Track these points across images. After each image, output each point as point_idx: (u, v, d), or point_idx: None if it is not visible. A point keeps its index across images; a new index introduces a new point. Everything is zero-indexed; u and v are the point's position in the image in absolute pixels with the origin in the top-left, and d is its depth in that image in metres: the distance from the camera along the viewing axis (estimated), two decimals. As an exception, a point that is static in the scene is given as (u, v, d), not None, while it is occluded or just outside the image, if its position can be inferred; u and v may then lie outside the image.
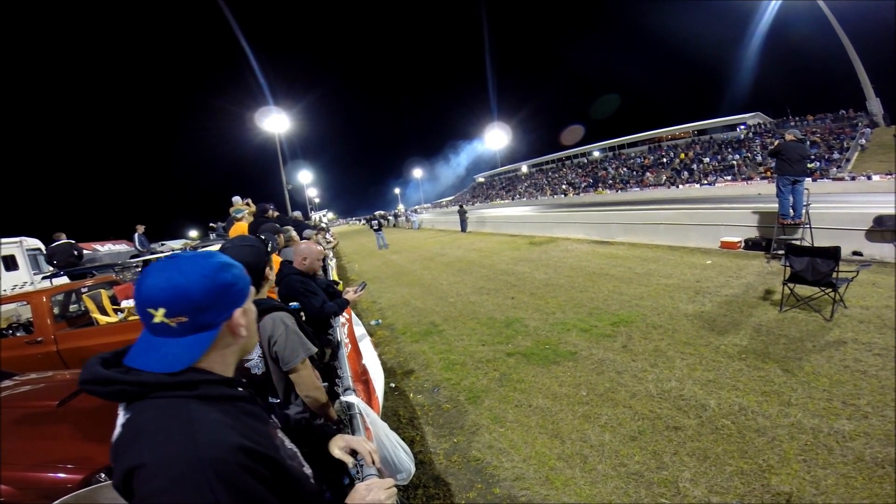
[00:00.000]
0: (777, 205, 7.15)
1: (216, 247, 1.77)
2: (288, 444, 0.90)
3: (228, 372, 0.84)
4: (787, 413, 2.77)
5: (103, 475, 1.85)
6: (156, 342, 0.75)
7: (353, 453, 1.15)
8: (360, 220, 73.29)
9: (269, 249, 1.77)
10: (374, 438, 1.52)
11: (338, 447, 1.14)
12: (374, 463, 1.12)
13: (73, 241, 8.35)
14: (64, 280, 7.12)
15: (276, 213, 6.29)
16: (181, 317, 0.74)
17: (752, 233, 7.98)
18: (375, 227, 18.90)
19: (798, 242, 6.30)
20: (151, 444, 0.66)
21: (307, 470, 0.92)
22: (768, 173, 26.85)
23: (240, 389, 0.84)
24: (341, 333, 2.85)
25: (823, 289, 4.33)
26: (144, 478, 0.64)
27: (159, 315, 0.73)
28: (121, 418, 0.72)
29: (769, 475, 2.26)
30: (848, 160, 27.35)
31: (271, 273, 1.78)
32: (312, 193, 50.03)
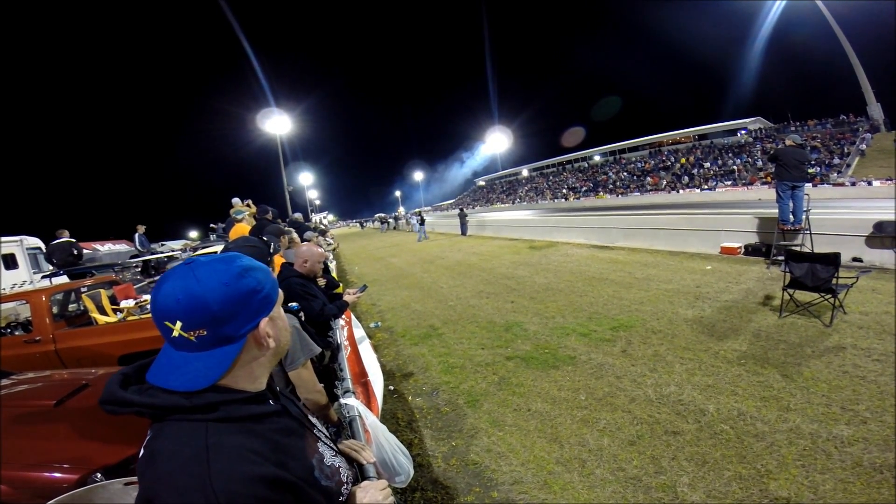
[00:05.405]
0: (777, 210, 7.17)
1: (217, 248, 1.76)
2: (329, 458, 0.84)
3: (258, 385, 0.77)
4: (786, 418, 2.76)
5: (99, 475, 1.83)
6: (177, 357, 0.70)
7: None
8: (363, 223, 73.19)
9: (271, 251, 1.77)
10: (372, 441, 1.52)
11: None
12: (364, 458, 1.09)
13: (74, 240, 8.31)
14: (63, 279, 7.13)
15: (275, 218, 6.30)
16: (200, 330, 0.68)
17: (752, 238, 7.99)
18: (420, 221, 22.38)
19: (798, 248, 6.32)
20: (165, 475, 0.63)
21: (346, 476, 0.87)
22: (769, 178, 26.90)
23: (271, 403, 0.79)
24: (341, 336, 2.85)
25: (823, 295, 4.33)
26: None
27: (177, 329, 0.68)
28: (148, 435, 0.69)
29: (767, 480, 2.25)
30: (848, 165, 27.42)
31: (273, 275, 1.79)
32: (313, 195, 50.06)
